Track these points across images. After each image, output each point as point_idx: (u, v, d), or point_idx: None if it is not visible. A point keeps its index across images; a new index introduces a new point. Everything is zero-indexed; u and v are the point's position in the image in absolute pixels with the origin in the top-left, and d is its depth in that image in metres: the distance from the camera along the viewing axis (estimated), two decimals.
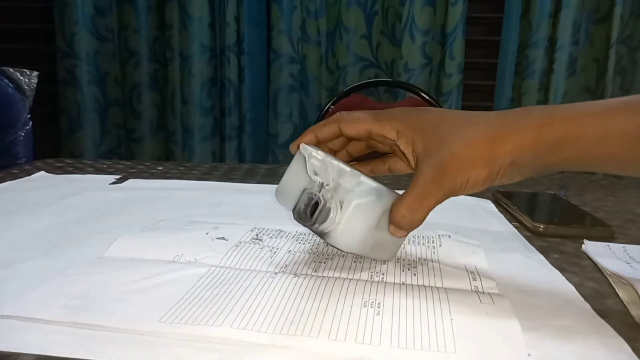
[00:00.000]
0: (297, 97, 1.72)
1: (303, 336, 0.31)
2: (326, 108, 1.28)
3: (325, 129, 0.41)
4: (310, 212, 0.38)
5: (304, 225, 0.39)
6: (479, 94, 1.72)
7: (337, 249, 0.39)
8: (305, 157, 0.39)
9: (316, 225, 0.38)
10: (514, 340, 0.31)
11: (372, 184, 0.38)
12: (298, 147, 0.40)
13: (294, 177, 0.40)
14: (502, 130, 0.35)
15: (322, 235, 0.38)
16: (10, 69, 1.38)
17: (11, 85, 1.37)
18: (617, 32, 1.52)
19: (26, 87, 1.39)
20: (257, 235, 0.48)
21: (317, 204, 0.37)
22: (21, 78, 1.39)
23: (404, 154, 0.39)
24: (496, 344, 0.30)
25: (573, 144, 0.34)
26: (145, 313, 0.33)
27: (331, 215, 0.37)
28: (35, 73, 1.40)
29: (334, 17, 1.67)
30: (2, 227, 0.51)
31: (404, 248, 0.46)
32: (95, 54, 1.70)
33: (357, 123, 0.40)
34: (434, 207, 0.36)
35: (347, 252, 0.43)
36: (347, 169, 0.37)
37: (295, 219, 0.39)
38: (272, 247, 0.46)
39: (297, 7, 1.65)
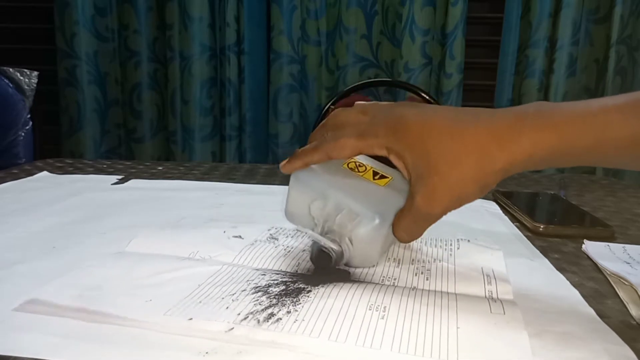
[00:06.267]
0: (297, 97, 1.72)
1: (304, 335, 0.31)
2: (326, 108, 1.28)
3: (315, 157, 0.40)
4: (326, 263, 0.39)
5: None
6: (479, 94, 1.72)
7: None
8: (308, 204, 0.41)
9: (335, 267, 0.40)
10: (521, 354, 0.30)
11: (371, 211, 0.38)
12: (289, 168, 0.42)
13: (299, 202, 0.42)
14: (492, 147, 0.34)
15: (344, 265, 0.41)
16: (10, 69, 1.38)
17: (11, 85, 1.37)
18: (617, 32, 1.52)
19: (26, 87, 1.39)
20: (272, 234, 0.49)
21: (330, 256, 0.39)
22: (21, 78, 1.39)
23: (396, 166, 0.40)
24: (501, 357, 0.30)
25: (566, 155, 0.34)
26: (153, 306, 0.34)
27: (345, 255, 0.39)
28: (35, 73, 1.41)
29: (334, 17, 1.67)
30: (5, 227, 0.51)
31: (420, 249, 0.47)
32: (95, 54, 1.70)
33: (344, 149, 0.39)
34: (429, 226, 0.38)
35: None
36: (344, 218, 0.39)
37: (314, 264, 0.41)
38: (287, 246, 0.46)
39: (297, 7, 1.65)
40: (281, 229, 0.51)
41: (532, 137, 0.34)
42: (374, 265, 0.43)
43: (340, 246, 0.39)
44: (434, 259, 0.44)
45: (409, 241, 0.40)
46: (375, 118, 0.39)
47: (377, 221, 0.38)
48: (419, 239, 0.48)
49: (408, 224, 0.38)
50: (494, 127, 0.35)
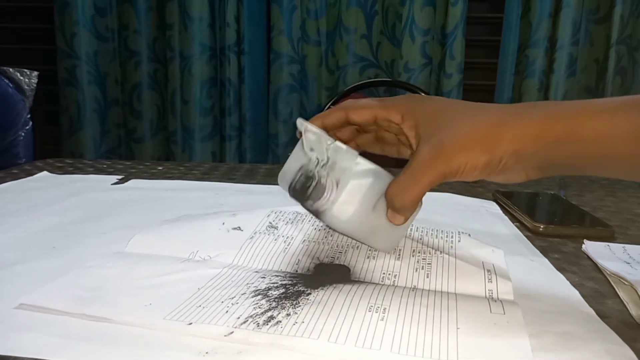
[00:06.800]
0: (297, 97, 1.72)
1: (303, 337, 0.31)
2: (326, 108, 1.28)
3: (332, 115, 0.41)
4: (305, 188, 0.37)
5: (300, 203, 0.38)
6: (479, 94, 1.72)
7: (332, 229, 0.39)
8: (302, 133, 0.39)
9: (310, 202, 0.37)
10: (521, 354, 0.30)
11: (370, 165, 0.37)
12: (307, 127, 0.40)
13: (295, 161, 0.40)
14: (506, 118, 0.35)
15: (317, 214, 0.38)
16: (10, 69, 1.38)
17: (11, 85, 1.37)
18: (617, 32, 1.52)
19: (26, 87, 1.39)
20: (272, 222, 0.49)
21: (312, 180, 0.37)
22: (21, 78, 1.39)
23: (407, 138, 0.39)
24: (501, 358, 0.30)
25: (577, 140, 0.33)
26: (153, 309, 0.34)
27: (326, 193, 0.37)
28: (35, 73, 1.41)
29: (334, 17, 1.67)
30: (5, 227, 0.51)
31: (421, 239, 0.46)
32: (95, 54, 1.70)
33: (363, 109, 0.40)
34: (427, 187, 0.36)
35: (344, 234, 0.42)
36: (344, 147, 0.37)
37: (290, 195, 0.38)
38: (287, 237, 0.46)
39: (297, 7, 1.65)
40: (280, 212, 0.51)
41: (545, 113, 0.34)
42: (343, 234, 0.40)
43: (326, 181, 0.37)
44: (435, 250, 0.44)
45: (400, 204, 0.36)
46: (395, 97, 0.41)
47: (370, 179, 0.37)
48: (420, 228, 0.48)
49: (405, 178, 0.36)
50: (504, 113, 0.36)
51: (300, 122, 0.39)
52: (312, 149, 0.38)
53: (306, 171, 0.38)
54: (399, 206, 0.37)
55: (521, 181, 0.37)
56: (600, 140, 0.33)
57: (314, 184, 0.37)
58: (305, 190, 0.37)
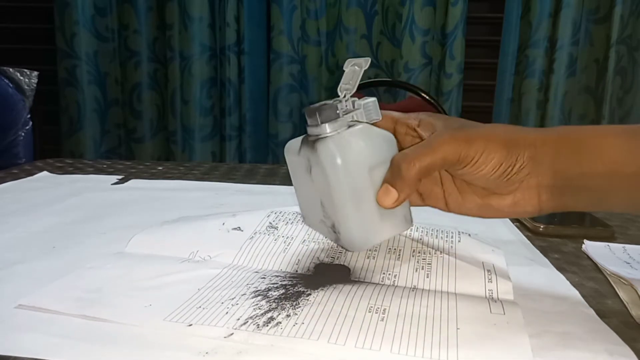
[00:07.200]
0: (297, 97, 1.72)
1: (303, 339, 0.31)
2: None
3: None
4: (320, 106, 0.37)
5: (307, 122, 0.38)
6: (479, 94, 1.72)
7: (320, 169, 0.36)
8: (346, 65, 0.39)
9: (316, 118, 0.36)
10: (520, 354, 0.30)
11: (388, 132, 0.38)
12: None
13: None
14: (524, 128, 0.36)
15: (314, 143, 0.36)
16: (10, 69, 1.38)
17: (11, 85, 1.37)
18: (617, 32, 1.52)
19: (26, 87, 1.39)
20: (272, 222, 0.49)
21: (330, 104, 0.37)
22: (21, 78, 1.39)
23: (421, 139, 0.39)
24: (501, 357, 0.30)
25: (597, 151, 0.34)
26: (153, 310, 0.34)
27: (336, 122, 0.36)
28: (35, 73, 1.40)
29: (334, 17, 1.67)
30: (5, 227, 0.51)
31: (421, 239, 0.46)
32: (95, 54, 1.70)
33: (384, 115, 0.40)
34: (440, 162, 0.35)
35: (322, 198, 0.38)
36: (372, 99, 0.38)
37: (303, 112, 0.38)
38: (287, 237, 0.46)
39: (297, 7, 1.65)
40: (281, 213, 0.51)
41: (557, 130, 0.36)
42: (323, 196, 0.37)
43: (341, 115, 0.37)
44: (435, 251, 0.43)
45: (405, 170, 0.35)
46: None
47: (383, 139, 0.37)
48: (420, 228, 0.48)
49: (419, 146, 0.36)
50: (523, 127, 0.37)
51: (351, 59, 0.39)
52: (346, 84, 0.38)
53: (328, 101, 0.37)
54: (403, 172, 0.35)
55: (533, 211, 0.36)
56: (610, 154, 0.34)
57: (328, 105, 0.36)
58: (319, 108, 0.36)
